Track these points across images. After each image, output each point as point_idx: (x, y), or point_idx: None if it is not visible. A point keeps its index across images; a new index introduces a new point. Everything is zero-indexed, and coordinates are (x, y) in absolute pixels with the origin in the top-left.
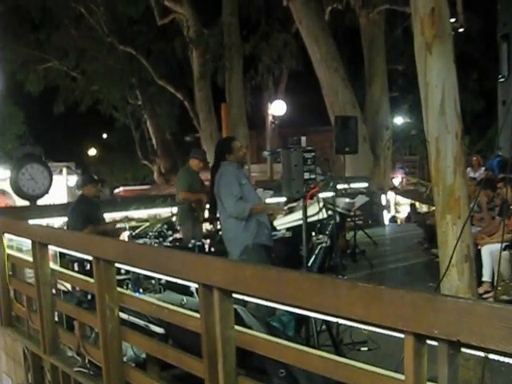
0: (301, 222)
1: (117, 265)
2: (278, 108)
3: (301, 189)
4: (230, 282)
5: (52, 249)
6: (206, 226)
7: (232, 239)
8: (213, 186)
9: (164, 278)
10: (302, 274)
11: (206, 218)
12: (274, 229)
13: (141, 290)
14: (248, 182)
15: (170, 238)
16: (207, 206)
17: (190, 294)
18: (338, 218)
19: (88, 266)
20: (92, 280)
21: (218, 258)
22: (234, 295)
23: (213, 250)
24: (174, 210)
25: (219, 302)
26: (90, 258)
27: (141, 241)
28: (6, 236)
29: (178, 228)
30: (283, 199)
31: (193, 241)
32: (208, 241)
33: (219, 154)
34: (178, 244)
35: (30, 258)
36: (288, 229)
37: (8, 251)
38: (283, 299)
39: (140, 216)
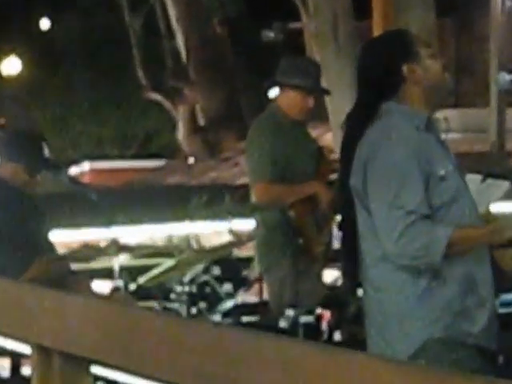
0: None
1: (95, 369)
2: None
3: None
4: None
5: None
6: (327, 274)
7: (388, 312)
8: (347, 170)
9: None
10: None
11: (330, 254)
12: None
13: None
14: (454, 167)
15: (229, 304)
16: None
17: None
18: None
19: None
20: None
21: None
22: None
23: (338, 336)
24: (244, 224)
25: None
26: (25, 347)
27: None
28: None
29: (257, 275)
30: None
31: (290, 312)
32: (327, 313)
33: (373, 77)
34: (253, 319)
35: None
36: None
37: None
38: None
39: (146, 240)
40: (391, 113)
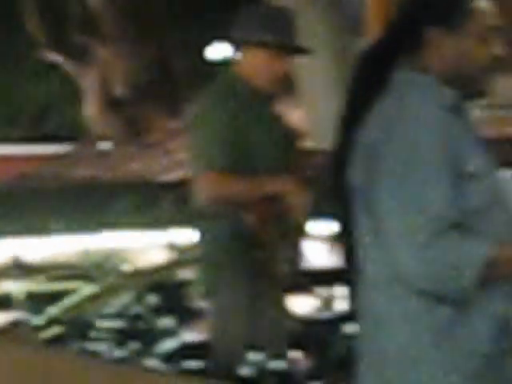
0: None
1: None
2: None
3: None
4: None
5: None
6: (297, 302)
7: (393, 354)
8: (340, 159)
9: None
10: None
11: (297, 275)
12: None
13: None
14: (488, 163)
15: (171, 344)
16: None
17: None
18: None
19: None
20: None
21: None
22: None
23: None
24: (190, 235)
25: None
26: None
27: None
28: None
29: (203, 304)
30: None
31: (253, 356)
32: (302, 357)
33: (396, 27)
34: (202, 365)
35: None
36: None
37: None
38: None
39: (55, 257)
40: (409, 84)
